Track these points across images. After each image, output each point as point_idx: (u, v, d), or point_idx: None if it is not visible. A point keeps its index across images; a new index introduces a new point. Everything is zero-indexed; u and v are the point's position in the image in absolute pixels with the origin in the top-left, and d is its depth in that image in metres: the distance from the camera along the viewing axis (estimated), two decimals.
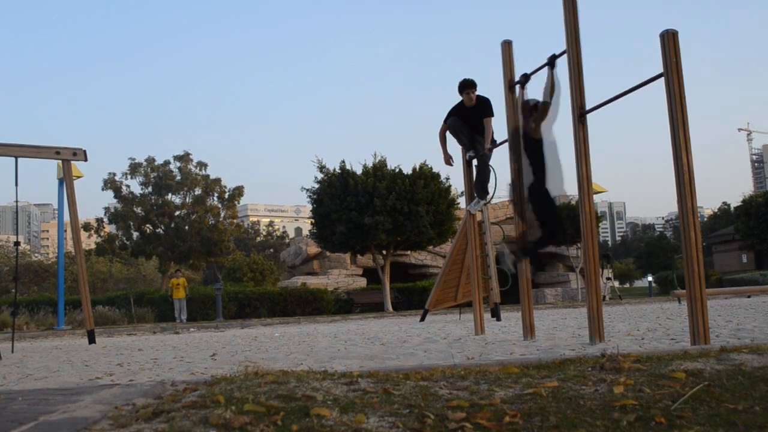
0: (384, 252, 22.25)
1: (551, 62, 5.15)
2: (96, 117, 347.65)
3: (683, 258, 4.14)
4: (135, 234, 28.42)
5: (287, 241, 51.59)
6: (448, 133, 6.94)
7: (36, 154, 8.78)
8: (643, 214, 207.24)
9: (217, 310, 19.52)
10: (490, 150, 6.68)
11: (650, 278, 32.41)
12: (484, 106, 6.74)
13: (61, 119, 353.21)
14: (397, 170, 21.31)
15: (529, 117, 5.27)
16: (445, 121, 6.89)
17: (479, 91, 6.74)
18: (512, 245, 5.51)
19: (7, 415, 1.94)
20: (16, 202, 8.22)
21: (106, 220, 29.00)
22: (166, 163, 28.90)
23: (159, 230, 28.19)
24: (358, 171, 21.30)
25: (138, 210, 28.04)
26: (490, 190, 10.41)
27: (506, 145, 6.01)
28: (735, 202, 38.45)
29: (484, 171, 6.90)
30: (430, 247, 24.70)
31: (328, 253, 26.91)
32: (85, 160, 9.13)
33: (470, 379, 2.27)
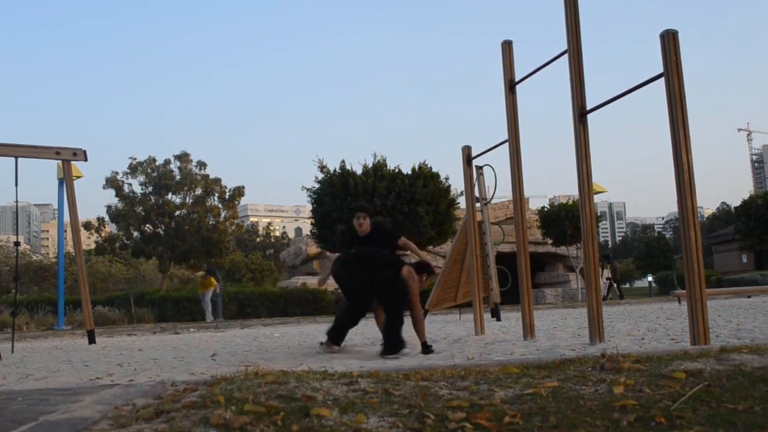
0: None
1: None
2: (96, 117, 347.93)
3: (683, 258, 4.14)
4: (135, 234, 28.40)
5: (287, 240, 51.62)
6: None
7: (36, 154, 8.77)
8: (643, 214, 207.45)
9: (217, 310, 19.51)
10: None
11: (650, 278, 32.42)
12: (385, 232, 6.13)
13: (61, 119, 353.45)
14: (397, 170, 21.30)
15: None
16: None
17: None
18: None
19: (7, 415, 1.94)
20: (16, 202, 8.20)
21: (107, 218, 29.00)
22: (166, 162, 28.90)
23: (159, 230, 28.17)
24: (358, 171, 21.30)
25: (139, 210, 28.03)
26: (490, 190, 10.40)
27: (506, 145, 6.02)
28: (735, 202, 38.48)
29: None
30: (430, 247, 24.66)
31: (328, 253, 26.90)
32: (85, 160, 9.13)
33: (470, 379, 2.26)
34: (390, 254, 5.77)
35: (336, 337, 5.70)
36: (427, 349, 5.17)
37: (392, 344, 5.16)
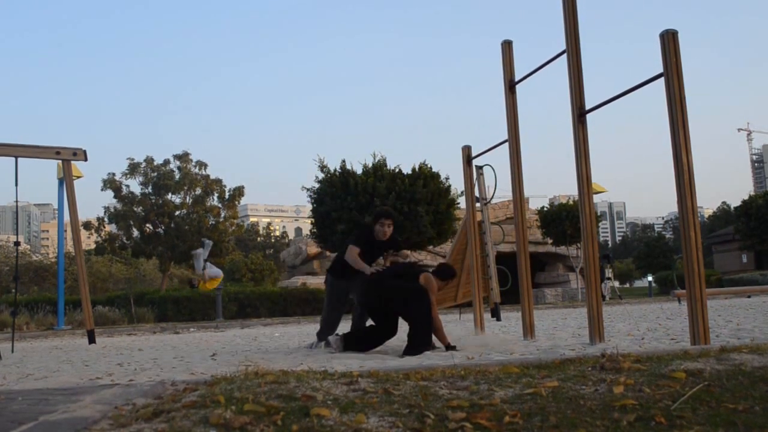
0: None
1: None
2: (96, 117, 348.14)
3: (683, 258, 4.14)
4: (135, 234, 28.40)
5: (287, 240, 51.62)
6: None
7: (36, 154, 8.77)
8: (643, 214, 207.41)
9: (217, 310, 19.52)
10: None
11: (650, 278, 32.43)
12: (397, 242, 6.10)
13: (61, 119, 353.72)
14: (397, 170, 21.30)
15: None
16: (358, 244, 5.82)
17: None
18: None
19: (7, 415, 1.94)
20: (16, 202, 8.20)
21: (106, 219, 29.00)
22: (166, 162, 28.89)
23: (159, 230, 28.17)
24: (359, 171, 21.30)
25: (138, 210, 28.03)
26: (490, 190, 10.40)
27: (506, 145, 6.01)
28: (735, 202, 38.45)
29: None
30: (430, 247, 24.69)
31: (328, 253, 26.90)
32: (85, 160, 9.12)
33: (470, 379, 2.26)
34: (404, 264, 5.72)
35: (348, 344, 5.40)
36: (451, 349, 5.05)
37: (414, 347, 5.00)
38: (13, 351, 7.83)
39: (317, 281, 26.48)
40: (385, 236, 5.81)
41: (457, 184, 24.91)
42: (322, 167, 21.74)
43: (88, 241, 35.19)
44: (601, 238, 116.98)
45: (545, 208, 28.74)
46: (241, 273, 32.91)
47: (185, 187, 28.70)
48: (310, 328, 11.87)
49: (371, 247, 5.83)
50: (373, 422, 1.66)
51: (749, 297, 16.89)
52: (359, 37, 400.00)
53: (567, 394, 1.95)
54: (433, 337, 5.36)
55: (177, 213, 28.47)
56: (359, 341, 5.42)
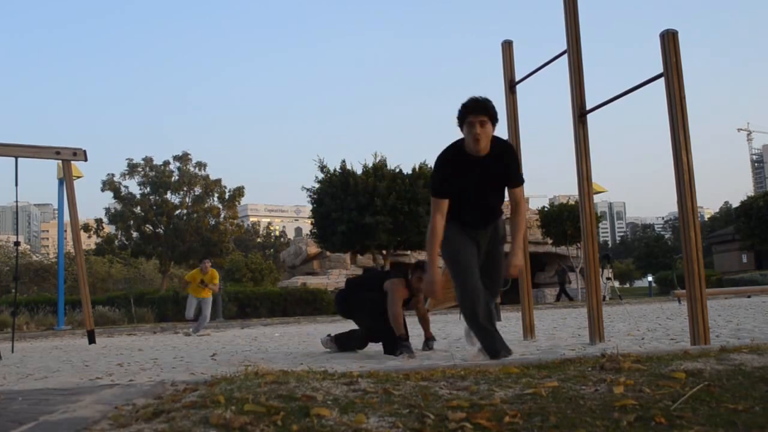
0: (384, 252, 22.21)
1: None
2: (96, 117, 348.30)
3: (683, 258, 4.14)
4: (135, 234, 28.41)
5: (286, 240, 51.62)
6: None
7: (36, 154, 8.76)
8: (643, 214, 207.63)
9: (217, 310, 19.51)
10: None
11: (650, 278, 32.43)
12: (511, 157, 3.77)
13: (61, 119, 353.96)
14: (397, 170, 21.29)
15: None
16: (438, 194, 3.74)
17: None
18: None
19: (7, 415, 1.94)
20: (16, 202, 8.21)
21: (106, 220, 29.00)
22: (165, 163, 28.89)
23: (159, 230, 28.17)
24: (359, 171, 21.29)
25: (137, 210, 28.02)
26: None
27: None
28: (736, 202, 38.42)
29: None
30: None
31: (328, 253, 26.91)
32: (85, 160, 9.12)
33: (470, 379, 2.26)
34: (381, 273, 5.77)
35: (342, 344, 5.66)
36: (403, 341, 5.13)
37: (386, 351, 5.19)
38: (13, 351, 7.83)
39: (317, 281, 26.47)
40: (478, 145, 3.51)
41: None
42: (322, 167, 21.73)
43: (89, 241, 35.24)
44: (601, 238, 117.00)
45: (545, 208, 28.73)
46: (241, 273, 32.89)
47: (185, 187, 28.71)
48: (310, 328, 11.87)
49: (461, 171, 3.62)
50: (373, 422, 1.66)
51: (749, 297, 16.89)
52: (359, 37, 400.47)
53: (567, 394, 1.95)
54: (433, 337, 5.48)
55: (176, 213, 28.47)
56: (352, 342, 5.63)
